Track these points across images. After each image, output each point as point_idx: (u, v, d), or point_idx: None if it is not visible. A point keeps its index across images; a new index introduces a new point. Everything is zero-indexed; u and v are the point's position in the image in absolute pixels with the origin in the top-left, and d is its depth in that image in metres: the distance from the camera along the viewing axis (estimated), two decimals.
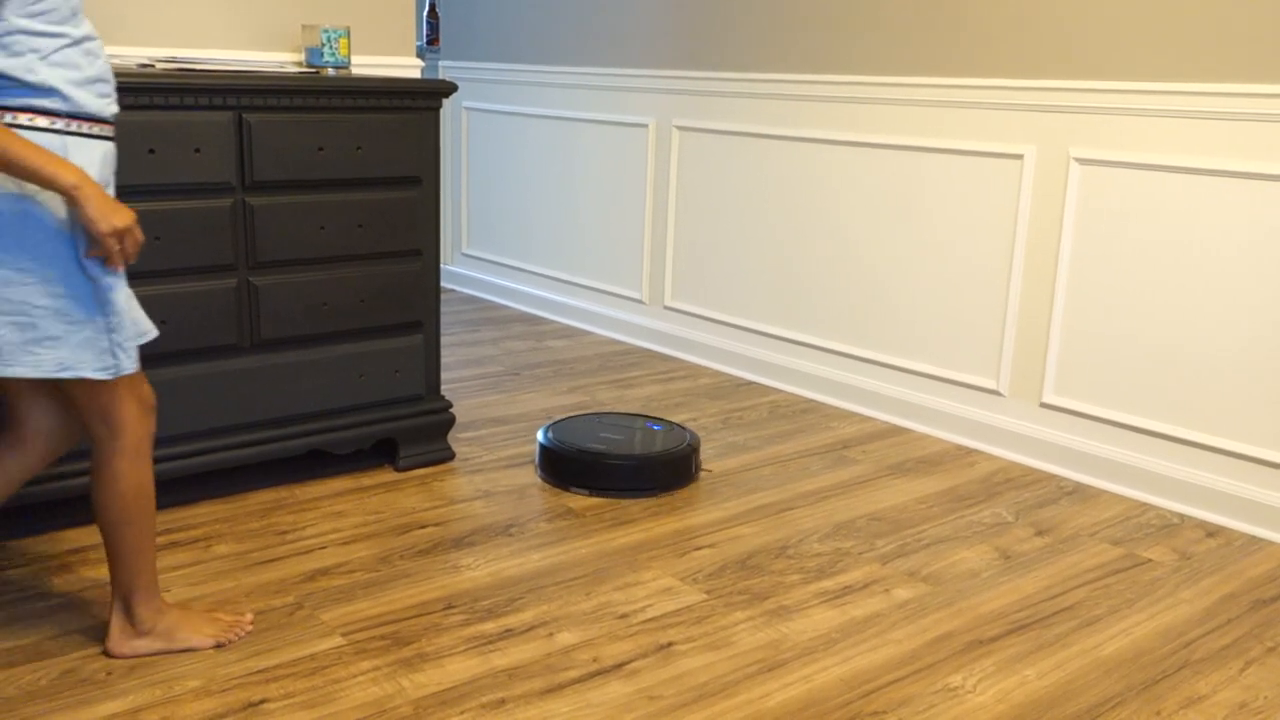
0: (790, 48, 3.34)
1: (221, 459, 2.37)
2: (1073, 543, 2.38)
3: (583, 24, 4.03)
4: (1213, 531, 2.47)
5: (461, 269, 4.82)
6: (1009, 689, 1.80)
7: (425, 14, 5.07)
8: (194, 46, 2.53)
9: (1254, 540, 2.43)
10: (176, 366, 2.28)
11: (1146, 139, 2.56)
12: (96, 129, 1.53)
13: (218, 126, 2.23)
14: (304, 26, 2.70)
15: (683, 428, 2.78)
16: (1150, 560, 2.31)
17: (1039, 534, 2.42)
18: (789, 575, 2.18)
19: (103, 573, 2.07)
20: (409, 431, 2.64)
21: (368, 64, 2.89)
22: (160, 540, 2.21)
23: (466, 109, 4.64)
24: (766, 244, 3.49)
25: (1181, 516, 2.55)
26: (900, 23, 3.03)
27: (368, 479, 2.59)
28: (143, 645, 1.80)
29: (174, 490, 2.41)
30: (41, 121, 1.47)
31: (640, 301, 3.97)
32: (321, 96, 2.33)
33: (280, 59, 2.76)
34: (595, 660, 1.84)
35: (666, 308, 3.87)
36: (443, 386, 2.75)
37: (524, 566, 2.17)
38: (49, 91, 1.46)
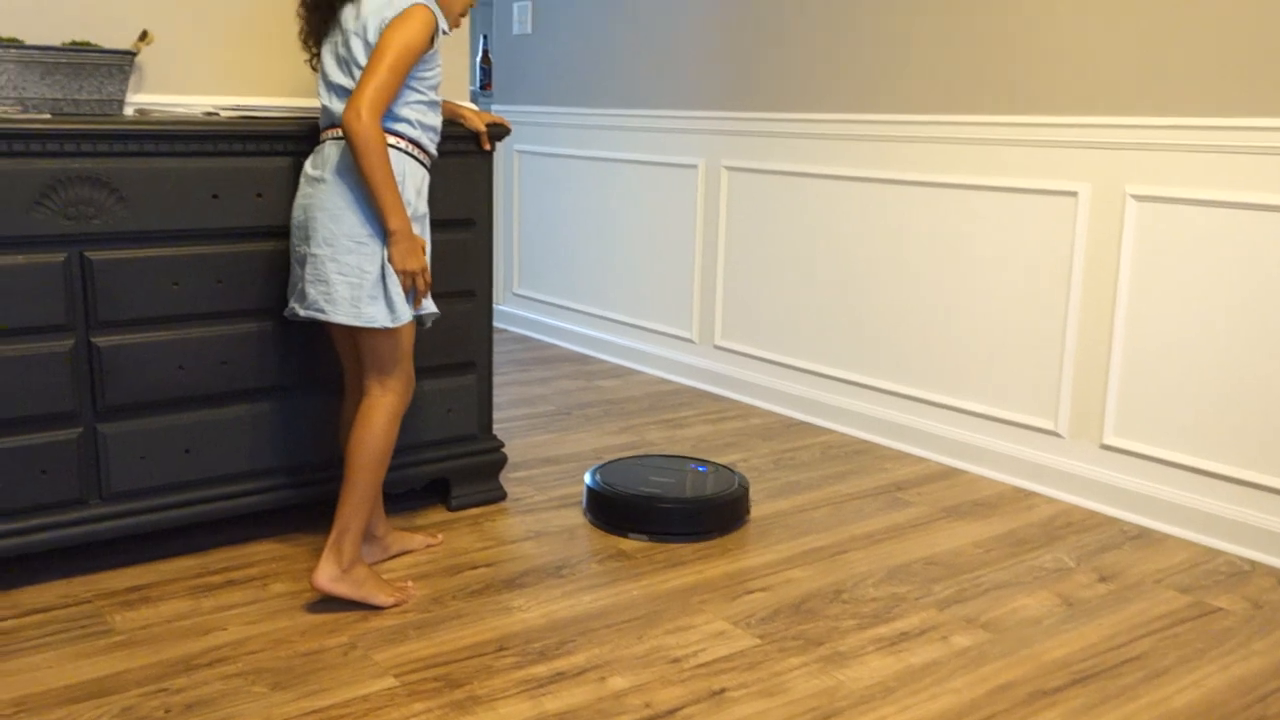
0: (839, 87, 3.34)
1: (277, 499, 2.39)
2: (1138, 590, 2.33)
3: (632, 67, 4.07)
4: None
5: (513, 309, 4.86)
6: None
7: (479, 60, 5.16)
8: (258, 95, 2.59)
9: None
10: (235, 406, 2.32)
11: (1204, 175, 2.52)
12: (424, 158, 2.14)
13: (279, 171, 2.27)
14: None
15: (731, 469, 2.77)
16: (1220, 609, 2.25)
17: (1102, 580, 2.37)
18: (844, 620, 2.15)
19: (163, 611, 2.09)
20: (461, 471, 2.66)
21: None
22: (217, 578, 2.24)
23: (518, 152, 4.69)
24: (817, 283, 3.48)
25: (1252, 563, 2.48)
26: (949, 60, 3.03)
27: (420, 519, 2.60)
28: (340, 587, 2.08)
29: (232, 529, 2.44)
30: (403, 144, 2.08)
31: (690, 341, 3.97)
32: None
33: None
34: (648, 705, 1.82)
35: (716, 347, 3.87)
36: (494, 426, 2.76)
37: (575, 608, 2.17)
38: (406, 122, 2.08)
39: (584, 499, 2.67)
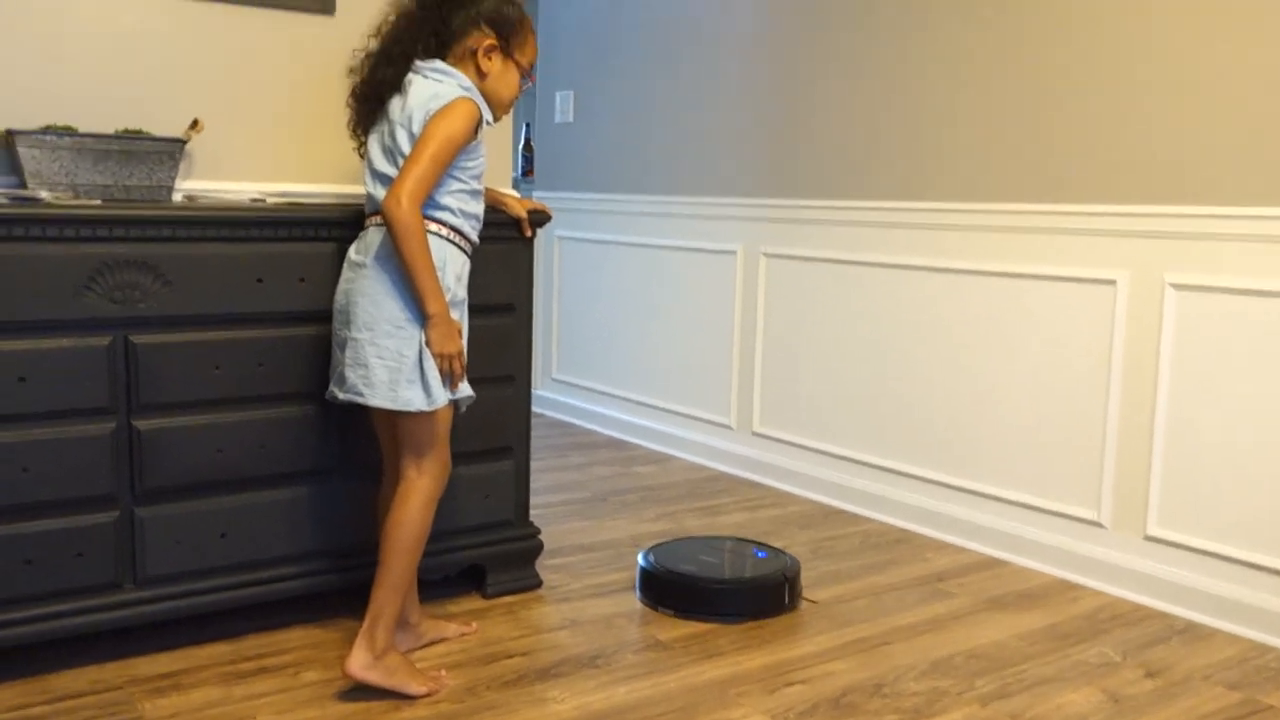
0: (875, 175, 3.36)
1: (313, 583, 2.38)
2: (1186, 686, 2.25)
3: (671, 155, 4.13)
4: None
5: (551, 393, 4.87)
6: None
7: (521, 148, 5.26)
8: (304, 181, 2.65)
9: None
10: (273, 489, 2.32)
11: (1243, 263, 2.50)
12: (465, 245, 2.18)
13: (323, 257, 2.31)
14: None
15: (785, 554, 2.74)
16: (1272, 707, 2.17)
17: (1149, 676, 2.29)
18: (885, 715, 2.09)
19: (194, 699, 2.08)
20: (497, 558, 2.64)
21: None
22: (249, 665, 2.22)
23: (559, 237, 4.75)
24: (856, 370, 3.47)
25: None
26: (986, 148, 3.04)
27: (454, 606, 2.58)
28: (372, 675, 2.06)
29: (266, 614, 2.43)
30: (444, 231, 2.12)
31: (728, 427, 3.95)
32: None
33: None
34: None
35: (755, 434, 3.85)
36: (530, 512, 2.74)
37: (611, 700, 2.12)
38: (448, 210, 2.13)
39: (637, 578, 2.68)
